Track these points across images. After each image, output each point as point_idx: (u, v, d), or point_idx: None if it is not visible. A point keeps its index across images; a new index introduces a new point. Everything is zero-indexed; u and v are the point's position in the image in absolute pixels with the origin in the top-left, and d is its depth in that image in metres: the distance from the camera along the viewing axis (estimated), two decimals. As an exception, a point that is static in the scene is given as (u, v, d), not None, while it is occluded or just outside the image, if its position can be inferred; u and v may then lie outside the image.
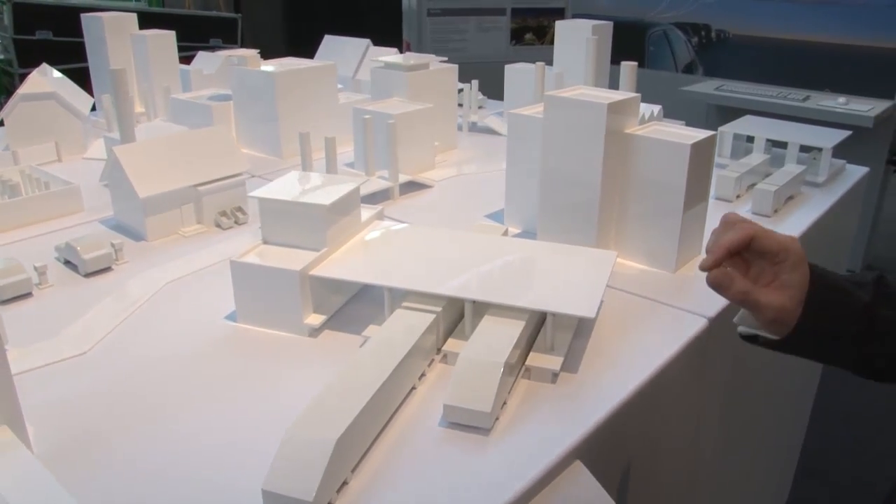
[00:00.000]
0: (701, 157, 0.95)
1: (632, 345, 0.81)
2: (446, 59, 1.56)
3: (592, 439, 0.67)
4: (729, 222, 0.71)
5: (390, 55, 1.59)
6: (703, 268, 0.69)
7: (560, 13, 3.83)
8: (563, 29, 1.63)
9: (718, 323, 0.87)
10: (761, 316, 0.69)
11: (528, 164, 1.07)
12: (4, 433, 0.59)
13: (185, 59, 1.75)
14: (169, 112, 1.60)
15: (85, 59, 1.73)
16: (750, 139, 1.41)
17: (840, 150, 1.36)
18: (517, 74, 1.66)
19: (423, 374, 0.74)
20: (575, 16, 3.16)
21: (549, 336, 0.76)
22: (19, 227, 1.13)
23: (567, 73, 1.59)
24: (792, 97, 3.06)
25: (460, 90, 1.68)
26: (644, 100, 1.05)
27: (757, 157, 1.34)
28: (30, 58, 3.21)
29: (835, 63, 3.16)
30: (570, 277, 0.81)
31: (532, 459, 0.62)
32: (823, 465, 2.09)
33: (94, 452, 0.64)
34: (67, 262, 1.00)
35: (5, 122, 1.40)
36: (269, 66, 1.48)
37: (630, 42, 3.64)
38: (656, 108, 1.47)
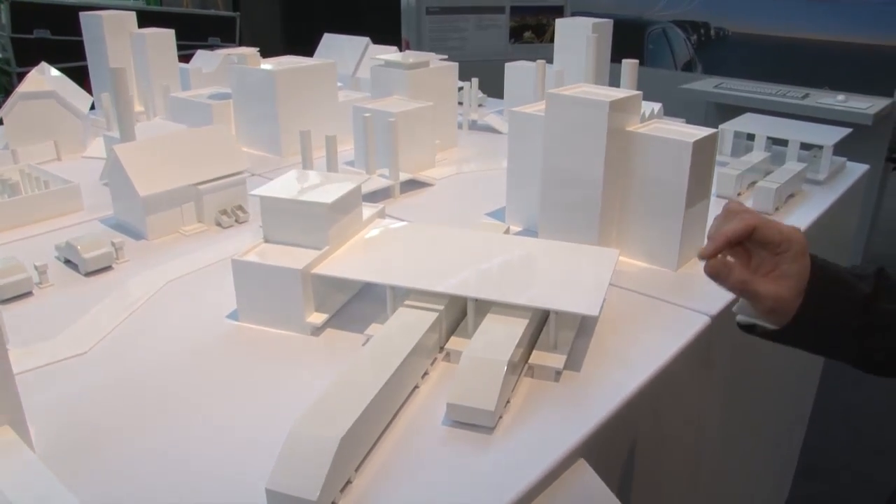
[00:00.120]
0: (702, 154, 0.95)
1: (634, 343, 0.81)
2: (446, 57, 1.56)
3: (596, 438, 0.66)
4: (731, 211, 0.70)
5: (390, 53, 1.59)
6: (701, 256, 0.69)
7: (559, 11, 3.82)
8: (564, 27, 1.63)
9: (721, 321, 0.87)
10: (759, 305, 0.69)
11: (529, 162, 1.07)
12: (7, 433, 0.59)
13: (184, 58, 1.74)
14: (168, 111, 1.60)
15: (83, 58, 1.73)
16: (750, 137, 1.41)
17: (839, 148, 1.36)
18: (517, 72, 1.66)
19: (425, 373, 0.74)
20: (574, 14, 3.15)
21: (552, 334, 0.76)
22: (19, 227, 1.12)
23: (567, 71, 1.59)
24: (791, 95, 3.06)
25: (460, 88, 1.68)
26: (643, 98, 1.05)
27: (758, 154, 1.33)
28: (27, 56, 3.20)
29: (834, 61, 3.16)
30: (573, 275, 0.81)
31: (536, 458, 0.62)
32: (824, 462, 2.09)
33: (95, 452, 0.64)
34: (68, 262, 1.00)
35: (4, 121, 1.40)
36: (268, 65, 1.48)
37: (629, 40, 3.64)
38: (657, 106, 1.47)
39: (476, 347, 0.70)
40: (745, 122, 1.45)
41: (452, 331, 0.80)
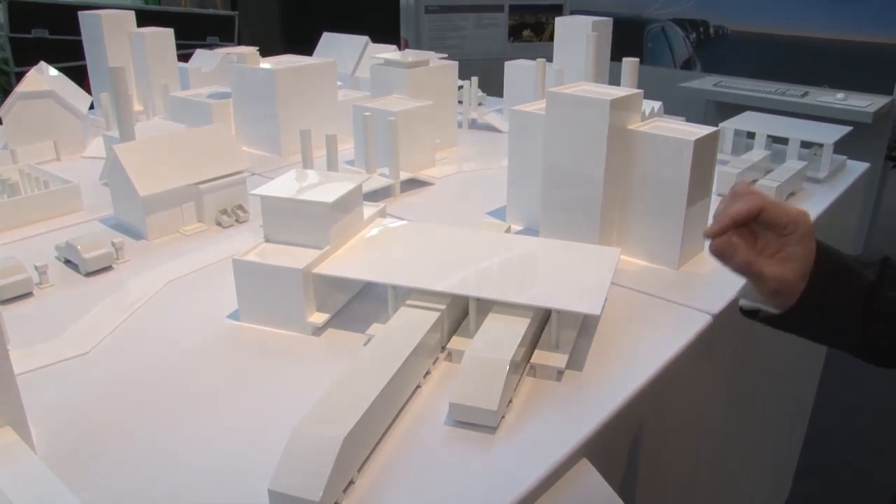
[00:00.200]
0: (704, 153, 0.95)
1: (636, 342, 0.81)
2: (446, 56, 1.56)
3: (598, 437, 0.66)
4: (738, 193, 0.69)
5: (389, 52, 1.59)
6: (707, 235, 0.68)
7: (558, 10, 3.82)
8: (563, 25, 1.62)
9: (722, 319, 0.86)
10: (763, 287, 0.69)
11: (530, 161, 1.07)
12: (8, 434, 0.59)
13: (183, 58, 1.74)
14: (167, 110, 1.60)
15: (81, 58, 1.72)
16: (751, 135, 1.41)
17: (839, 146, 1.35)
18: (517, 71, 1.66)
19: (427, 373, 0.74)
20: (573, 12, 3.15)
21: (554, 333, 0.76)
22: (19, 227, 1.12)
23: (567, 69, 1.59)
24: (790, 93, 3.06)
25: (460, 87, 1.68)
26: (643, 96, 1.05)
27: (758, 153, 1.33)
28: (26, 56, 3.20)
29: (833, 59, 3.16)
30: (575, 274, 0.81)
31: (538, 458, 0.62)
32: (824, 461, 2.09)
33: (97, 453, 0.63)
34: (68, 262, 0.99)
35: (3, 121, 1.39)
36: (268, 64, 1.47)
37: (628, 38, 3.64)
38: (657, 105, 1.47)
39: (478, 347, 0.70)
40: (746, 121, 1.45)
41: (454, 330, 0.80)
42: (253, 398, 0.71)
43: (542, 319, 0.79)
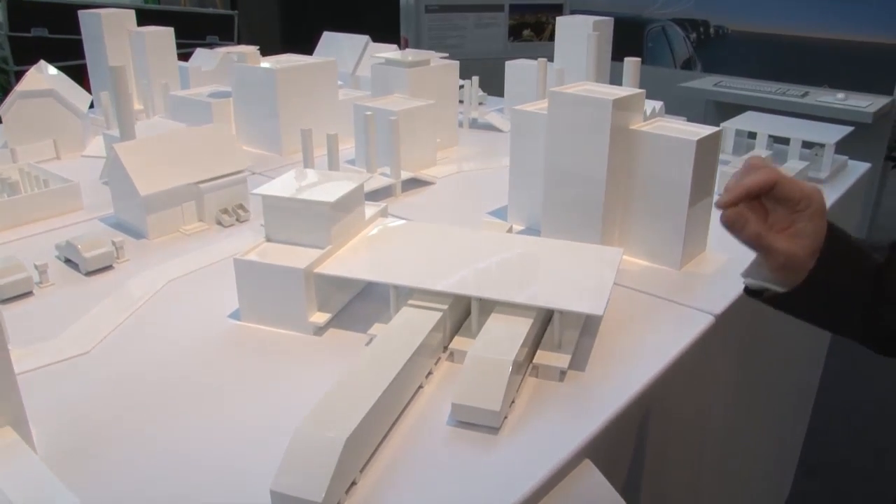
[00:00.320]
0: (706, 153, 0.94)
1: (639, 342, 0.80)
2: (447, 55, 1.55)
3: (601, 438, 0.66)
4: (753, 166, 0.68)
5: (390, 51, 1.58)
6: (719, 205, 0.67)
7: (558, 9, 3.82)
8: (564, 25, 1.62)
9: (725, 320, 0.86)
10: (771, 261, 0.68)
11: (531, 161, 1.07)
12: (8, 434, 0.58)
13: (182, 57, 1.74)
14: (168, 109, 1.59)
15: (80, 56, 1.72)
16: (752, 135, 1.41)
17: (838, 146, 1.35)
18: (518, 70, 1.66)
19: (429, 373, 0.74)
20: (573, 12, 3.15)
21: (557, 334, 0.76)
22: (18, 226, 1.12)
23: (568, 69, 1.58)
24: (791, 93, 3.06)
25: (461, 87, 1.68)
26: (643, 96, 1.05)
27: (759, 153, 1.33)
28: (25, 55, 3.19)
29: (833, 59, 3.16)
30: (577, 274, 0.81)
31: (541, 458, 0.62)
32: (824, 460, 2.09)
33: (98, 453, 0.63)
34: (68, 261, 0.99)
35: (3, 120, 1.39)
36: (269, 63, 1.47)
37: (628, 38, 3.63)
38: (658, 105, 1.46)
39: (481, 347, 0.69)
40: (747, 121, 1.44)
41: (456, 330, 0.80)
42: (254, 398, 0.71)
43: (545, 319, 0.79)
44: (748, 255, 0.73)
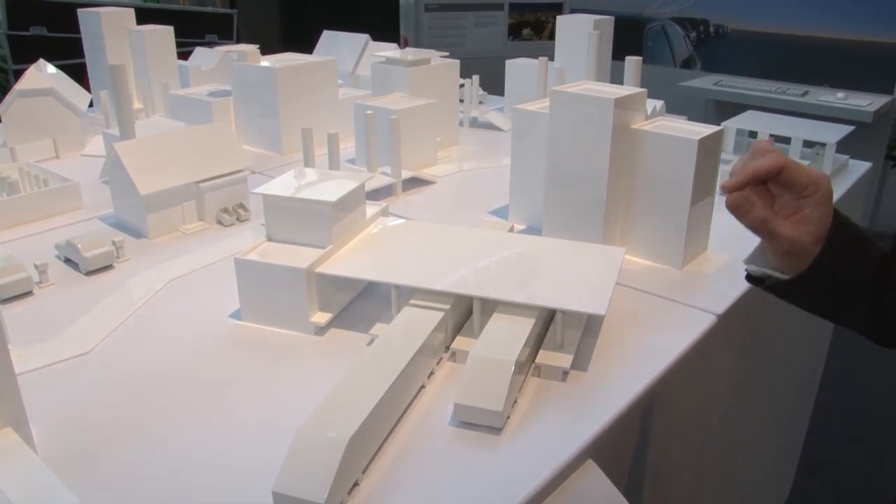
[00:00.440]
0: (708, 152, 0.94)
1: (641, 342, 0.80)
2: (447, 54, 1.55)
3: (604, 438, 0.66)
4: (760, 150, 0.67)
5: (390, 50, 1.58)
6: (724, 188, 0.66)
7: (558, 8, 3.82)
8: (564, 24, 1.62)
9: (727, 319, 0.86)
10: (776, 247, 0.67)
11: (532, 160, 1.07)
12: (9, 435, 0.58)
13: (181, 55, 1.73)
14: (167, 108, 1.59)
15: (79, 55, 1.72)
16: (753, 134, 1.41)
17: (839, 145, 1.35)
18: (518, 69, 1.66)
19: (431, 373, 0.73)
20: (573, 11, 3.14)
21: (559, 333, 0.76)
22: (18, 225, 1.11)
23: (568, 68, 1.58)
24: (791, 92, 3.06)
25: (461, 85, 1.67)
26: (644, 95, 1.04)
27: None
28: (24, 54, 3.19)
29: (833, 58, 3.16)
30: (579, 274, 0.81)
31: (544, 459, 0.62)
32: (825, 459, 2.09)
33: (98, 454, 0.63)
34: (68, 260, 0.99)
35: (2, 119, 1.38)
36: (269, 62, 1.47)
37: (628, 37, 3.63)
38: (659, 104, 1.46)
39: (483, 347, 0.69)
40: (748, 120, 1.44)
41: (458, 330, 0.79)
42: (255, 398, 0.71)
43: (547, 319, 0.79)
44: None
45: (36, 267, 0.92)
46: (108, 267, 0.98)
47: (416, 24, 3.80)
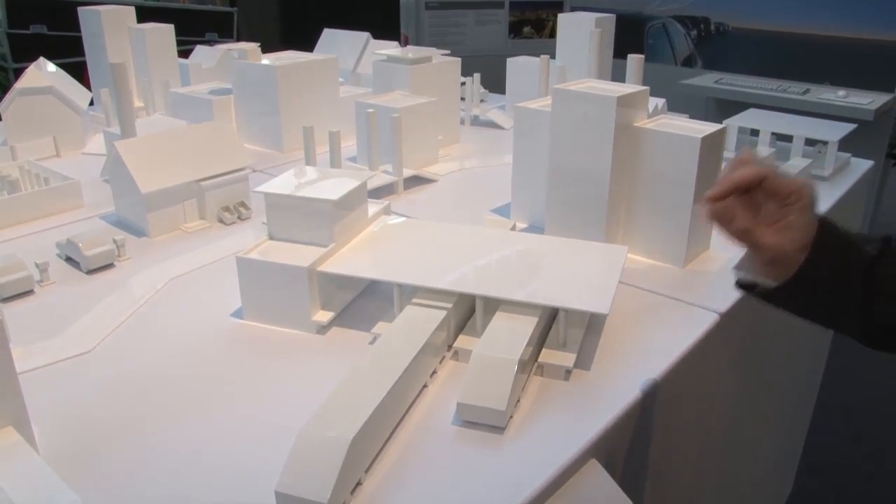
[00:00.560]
0: (710, 150, 0.94)
1: (644, 341, 0.80)
2: (448, 52, 1.55)
3: (607, 437, 0.66)
4: (742, 160, 0.67)
5: (391, 49, 1.58)
6: (706, 198, 0.66)
7: (558, 6, 3.81)
8: (566, 22, 1.62)
9: (729, 318, 0.86)
10: (760, 255, 0.67)
11: (534, 158, 1.06)
12: (10, 434, 0.58)
13: (181, 54, 1.73)
14: (168, 106, 1.59)
15: (80, 54, 1.71)
16: (754, 132, 1.40)
17: (840, 144, 1.35)
18: (519, 68, 1.65)
19: (434, 372, 0.73)
20: (573, 9, 3.14)
21: (562, 332, 0.75)
22: (19, 224, 1.11)
23: (569, 66, 1.58)
24: (792, 90, 3.05)
25: (462, 84, 1.67)
26: (645, 93, 1.04)
27: (762, 150, 1.33)
28: (24, 52, 3.18)
29: (835, 56, 3.15)
30: (582, 273, 0.80)
31: (547, 458, 0.61)
32: (825, 459, 2.09)
33: (100, 453, 0.63)
34: (69, 259, 0.98)
35: (3, 117, 1.38)
36: (269, 60, 1.46)
37: (629, 35, 3.62)
38: (661, 102, 1.46)
39: (486, 346, 0.69)
40: (750, 118, 1.44)
41: (461, 329, 0.79)
42: (257, 397, 0.70)
43: (549, 318, 0.78)
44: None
45: (37, 266, 0.92)
46: (109, 265, 0.97)
47: (416, 22, 3.79)
